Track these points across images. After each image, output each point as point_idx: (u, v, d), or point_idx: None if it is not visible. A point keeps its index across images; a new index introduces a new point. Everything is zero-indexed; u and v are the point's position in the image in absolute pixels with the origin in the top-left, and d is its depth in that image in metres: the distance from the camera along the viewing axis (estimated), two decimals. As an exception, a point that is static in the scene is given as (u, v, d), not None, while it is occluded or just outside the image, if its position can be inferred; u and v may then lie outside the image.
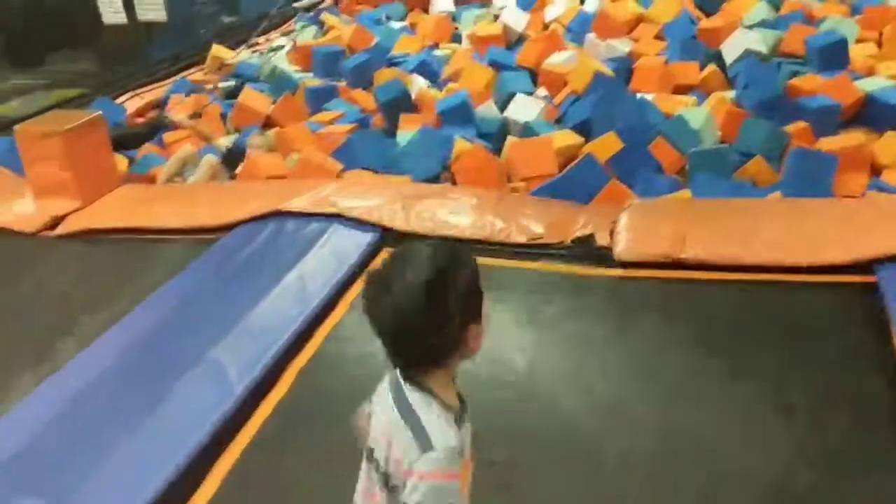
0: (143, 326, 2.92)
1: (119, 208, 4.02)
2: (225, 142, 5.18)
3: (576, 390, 2.54)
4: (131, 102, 6.39)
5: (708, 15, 6.53)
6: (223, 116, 5.74)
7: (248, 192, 4.08)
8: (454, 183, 4.28)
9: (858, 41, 5.59)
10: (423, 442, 1.30)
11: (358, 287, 3.12)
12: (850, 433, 2.23)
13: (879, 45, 5.59)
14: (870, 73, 5.11)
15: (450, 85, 5.67)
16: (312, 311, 2.91)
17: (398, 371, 1.38)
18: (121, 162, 4.85)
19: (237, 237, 3.57)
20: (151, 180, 4.67)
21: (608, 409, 2.44)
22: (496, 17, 7.24)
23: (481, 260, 3.16)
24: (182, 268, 3.35)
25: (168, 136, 5.48)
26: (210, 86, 6.53)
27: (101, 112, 4.37)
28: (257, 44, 7.71)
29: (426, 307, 1.30)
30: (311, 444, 2.35)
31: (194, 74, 7.04)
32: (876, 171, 4.13)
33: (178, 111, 5.77)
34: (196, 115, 5.73)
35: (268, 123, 5.57)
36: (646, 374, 2.60)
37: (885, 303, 2.68)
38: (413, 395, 1.36)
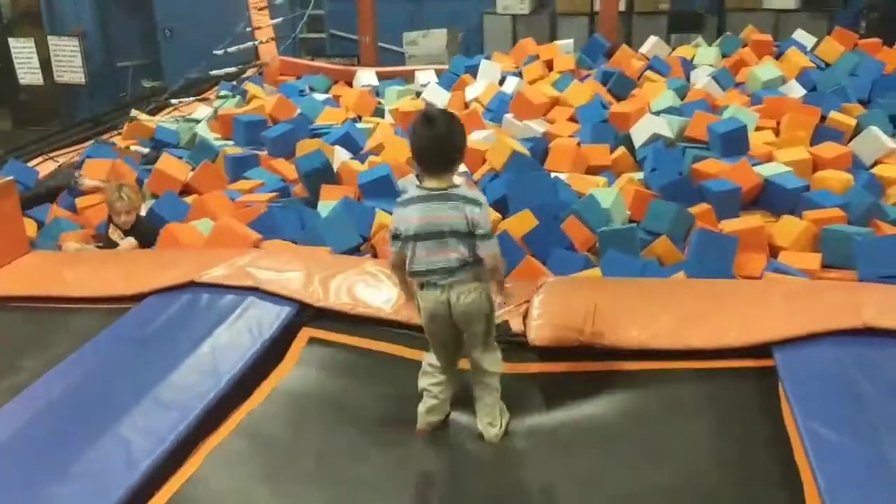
0: (46, 397, 2.82)
1: (26, 275, 3.90)
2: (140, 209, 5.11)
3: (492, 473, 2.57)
4: (44, 166, 6.25)
5: (619, 100, 6.86)
6: (139, 182, 5.67)
7: (162, 260, 4.01)
8: (375, 255, 4.31)
9: (758, 129, 5.93)
10: (473, 198, 2.61)
11: (275, 367, 3.09)
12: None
13: (777, 133, 5.94)
14: (768, 159, 5.41)
15: (372, 158, 5.76)
16: (224, 387, 2.86)
17: (437, 175, 2.62)
18: (30, 227, 4.72)
19: (149, 308, 3.50)
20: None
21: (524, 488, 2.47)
22: (418, 94, 7.43)
23: (398, 350, 3.13)
24: (91, 338, 3.26)
25: (81, 201, 5.37)
26: (131, 148, 6.46)
27: (12, 178, 4.26)
28: (177, 110, 7.68)
29: (453, 135, 2.62)
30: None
31: (111, 139, 6.95)
32: (773, 252, 4.36)
33: (92, 175, 5.66)
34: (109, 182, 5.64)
35: (186, 190, 5.52)
36: (551, 455, 2.64)
37: (782, 385, 2.80)
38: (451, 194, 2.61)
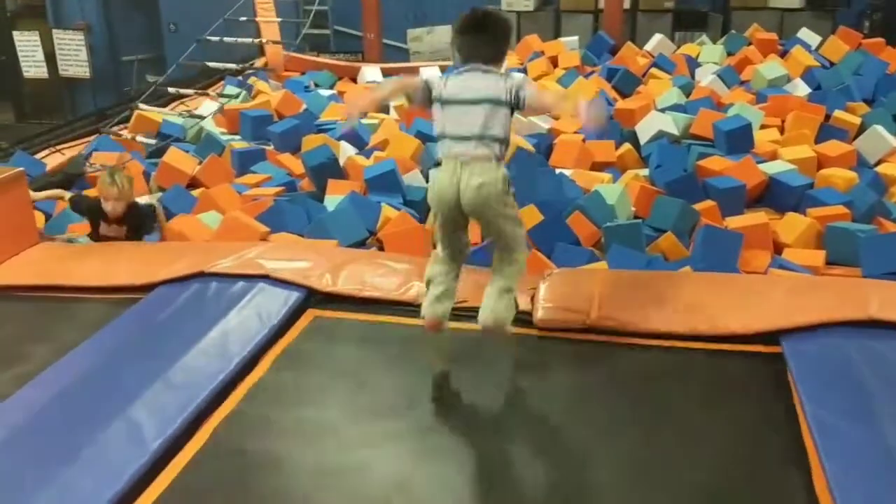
0: (59, 384, 2.84)
1: (37, 266, 3.92)
2: (149, 200, 5.13)
3: (497, 434, 2.60)
4: (51, 158, 6.27)
5: (624, 97, 6.89)
6: (146, 175, 5.69)
7: (171, 252, 4.03)
8: (381, 249, 4.34)
9: (763, 127, 5.97)
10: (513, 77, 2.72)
11: (281, 347, 3.14)
12: (760, 491, 2.33)
13: (782, 131, 5.97)
14: (772, 157, 5.45)
15: (377, 153, 5.79)
16: (232, 371, 2.89)
17: (480, 63, 2.73)
18: (38, 218, 4.74)
19: (159, 297, 3.53)
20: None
21: (527, 456, 2.49)
22: (423, 90, 7.42)
23: (406, 320, 3.24)
24: (100, 327, 3.28)
25: (88, 194, 5.39)
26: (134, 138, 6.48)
27: (22, 168, 4.28)
28: (184, 104, 7.70)
29: (506, 31, 2.84)
30: (227, 494, 2.34)
31: (118, 132, 6.97)
32: (778, 249, 4.39)
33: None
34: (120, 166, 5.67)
35: (193, 184, 5.55)
36: (559, 429, 2.66)
37: (790, 372, 2.83)
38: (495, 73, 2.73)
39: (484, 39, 2.77)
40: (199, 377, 2.83)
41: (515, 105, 2.69)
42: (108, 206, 4.26)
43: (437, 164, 2.73)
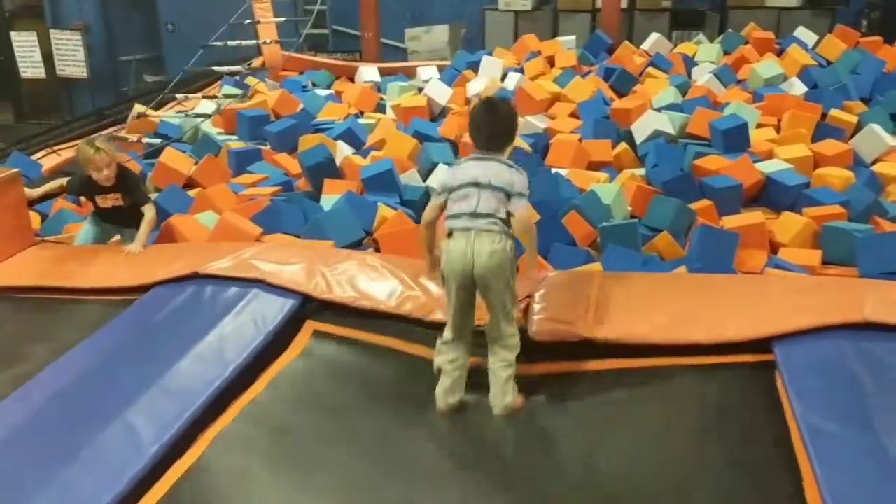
0: (55, 386, 2.85)
1: (32, 267, 3.93)
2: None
3: (492, 455, 2.60)
4: (48, 159, 6.28)
5: (620, 96, 6.88)
6: (143, 176, 5.69)
7: (166, 253, 4.03)
8: (377, 249, 4.34)
9: (759, 126, 5.96)
10: (517, 169, 2.96)
11: (277, 358, 3.12)
12: (752, 499, 2.33)
13: (778, 130, 5.96)
14: (769, 156, 5.44)
15: (374, 153, 5.79)
16: (228, 378, 2.89)
17: (487, 151, 3.00)
18: (33, 219, 4.74)
19: (154, 298, 3.53)
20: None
21: (519, 478, 2.49)
22: (420, 90, 7.45)
23: (399, 344, 3.12)
24: (96, 328, 3.29)
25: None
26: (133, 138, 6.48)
27: (18, 169, 4.28)
28: (181, 104, 7.70)
29: (510, 120, 3.06)
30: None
31: (115, 132, 6.97)
32: (774, 249, 4.39)
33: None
34: None
35: (189, 184, 5.55)
36: (550, 444, 2.67)
37: (782, 380, 2.82)
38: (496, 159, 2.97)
39: (495, 128, 3.03)
40: (196, 383, 2.83)
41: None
42: (101, 176, 4.16)
43: (450, 234, 2.93)
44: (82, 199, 4.90)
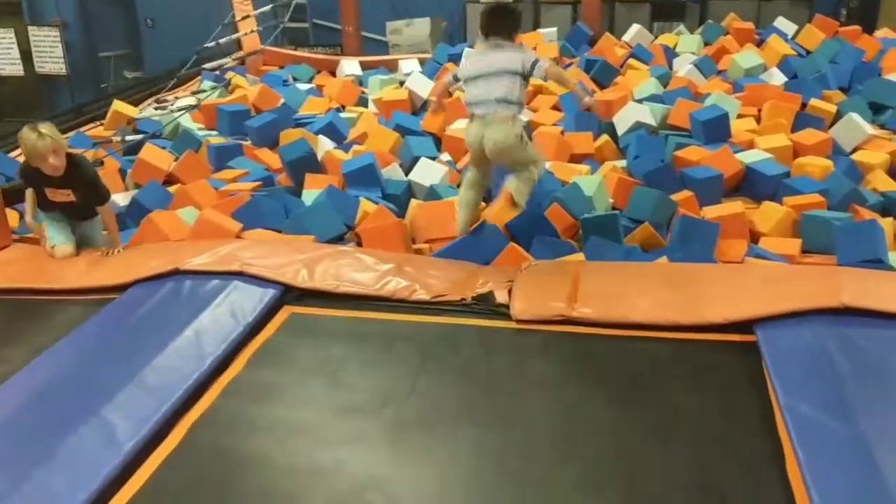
0: (32, 386, 2.82)
1: (9, 268, 3.89)
2: (122, 199, 5.10)
3: (474, 429, 2.59)
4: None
5: (602, 88, 6.89)
6: (122, 172, 5.65)
7: (145, 251, 4.01)
8: (359, 244, 4.33)
9: (739, 116, 5.98)
10: (524, 50, 3.74)
11: (256, 345, 3.12)
12: (734, 481, 2.34)
13: (758, 120, 5.99)
14: (749, 146, 5.47)
15: (356, 147, 5.77)
16: (207, 369, 2.88)
17: (497, 37, 3.70)
18: (12, 217, 4.70)
19: (133, 296, 3.51)
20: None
21: (505, 450, 2.49)
22: (402, 83, 7.42)
23: (385, 315, 3.27)
24: (75, 328, 3.26)
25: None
26: (114, 138, 6.42)
27: (-8, 167, 4.24)
28: (162, 100, 7.64)
29: (516, 12, 3.76)
30: (203, 494, 2.32)
31: (94, 129, 6.91)
32: (754, 238, 4.41)
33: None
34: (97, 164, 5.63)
35: (169, 180, 5.51)
36: (537, 415, 2.67)
37: (763, 361, 2.85)
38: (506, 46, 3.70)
39: (500, 19, 3.81)
40: (174, 376, 2.81)
41: (529, 75, 3.71)
42: (47, 166, 3.80)
43: (471, 118, 3.83)
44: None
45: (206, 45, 7.68)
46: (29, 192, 4.14)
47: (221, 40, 7.91)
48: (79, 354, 3.04)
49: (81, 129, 6.83)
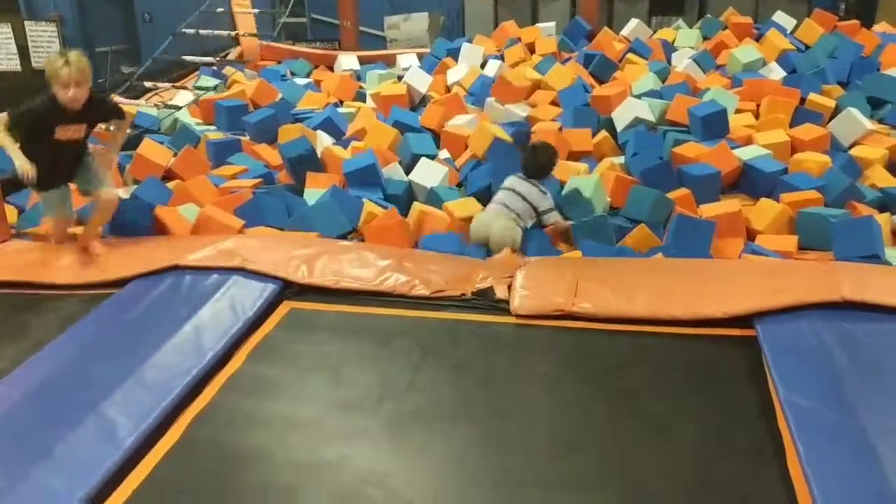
0: (31, 381, 2.82)
1: (9, 262, 3.89)
2: (123, 193, 5.09)
3: (473, 424, 2.60)
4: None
5: (600, 82, 6.89)
6: (120, 167, 5.64)
7: (145, 247, 4.01)
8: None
9: (738, 111, 5.99)
10: (545, 192, 4.49)
11: (256, 340, 3.13)
12: (734, 475, 2.35)
13: (757, 115, 5.99)
14: (747, 142, 5.47)
15: (354, 143, 5.76)
16: (207, 364, 2.88)
17: (529, 177, 4.54)
18: (10, 213, 4.69)
19: (133, 291, 3.51)
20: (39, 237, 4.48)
21: (505, 445, 2.50)
22: (400, 78, 7.42)
23: (385, 311, 3.27)
24: (75, 323, 3.26)
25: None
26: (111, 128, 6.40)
27: (-9, 162, 4.23)
28: (159, 95, 7.64)
29: (548, 161, 4.59)
30: (203, 490, 2.33)
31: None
32: (751, 236, 4.42)
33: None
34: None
35: (168, 176, 5.51)
36: (537, 410, 2.68)
37: (763, 355, 2.86)
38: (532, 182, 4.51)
39: (530, 160, 4.60)
40: (174, 372, 2.82)
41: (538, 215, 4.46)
42: (67, 96, 3.63)
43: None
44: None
45: (181, 30, 7.63)
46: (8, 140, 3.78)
47: (216, 32, 7.90)
48: (78, 350, 3.04)
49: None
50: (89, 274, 3.72)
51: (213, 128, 6.59)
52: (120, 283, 3.59)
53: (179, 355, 2.92)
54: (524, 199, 4.39)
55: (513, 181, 4.51)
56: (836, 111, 5.87)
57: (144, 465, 2.43)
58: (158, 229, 4.39)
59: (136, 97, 7.62)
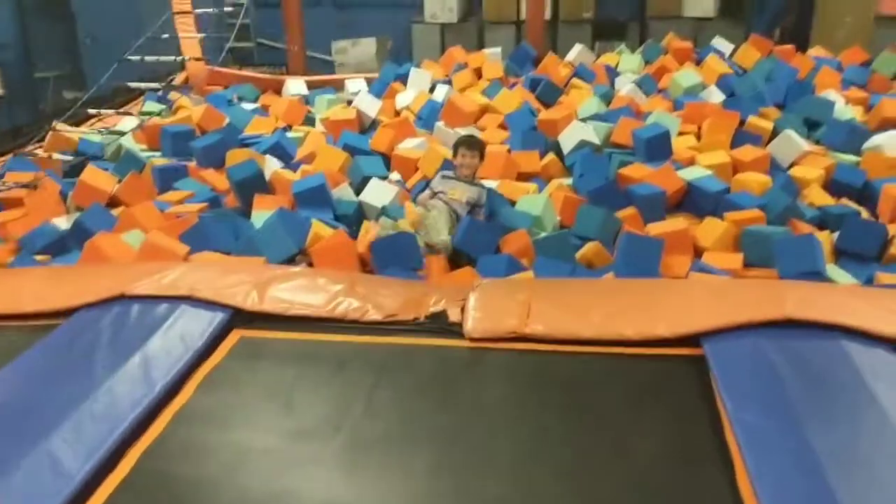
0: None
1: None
2: (64, 222, 4.99)
3: (429, 450, 2.59)
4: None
5: (547, 106, 7.00)
6: (63, 195, 5.53)
7: (89, 275, 3.92)
8: (310, 265, 4.31)
9: (681, 134, 6.14)
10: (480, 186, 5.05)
11: (206, 370, 3.08)
12: (687, 489, 2.39)
13: (699, 137, 6.15)
14: (690, 163, 5.60)
15: (304, 167, 5.74)
16: (156, 396, 2.82)
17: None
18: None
19: (78, 322, 3.42)
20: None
21: (461, 469, 2.50)
22: (349, 103, 7.43)
23: (337, 337, 3.24)
24: (17, 355, 3.17)
25: (2, 216, 5.22)
26: (55, 156, 6.28)
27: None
28: (103, 122, 7.51)
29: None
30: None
31: (33, 152, 6.74)
32: (698, 253, 4.51)
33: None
34: (35, 185, 5.50)
35: (113, 203, 5.41)
36: (493, 433, 2.68)
37: (711, 373, 2.91)
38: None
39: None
40: (123, 404, 2.75)
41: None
42: None
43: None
44: None
45: (126, 57, 7.53)
46: None
47: (162, 58, 7.81)
48: (23, 383, 2.95)
49: (19, 151, 6.66)
50: (31, 304, 3.62)
51: (158, 154, 6.50)
52: (64, 314, 3.50)
53: (128, 387, 2.85)
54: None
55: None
56: (775, 133, 6.05)
57: (95, 499, 2.36)
58: (100, 258, 4.29)
59: (79, 124, 7.47)
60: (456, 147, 5.13)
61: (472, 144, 5.10)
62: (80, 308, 3.50)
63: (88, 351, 3.16)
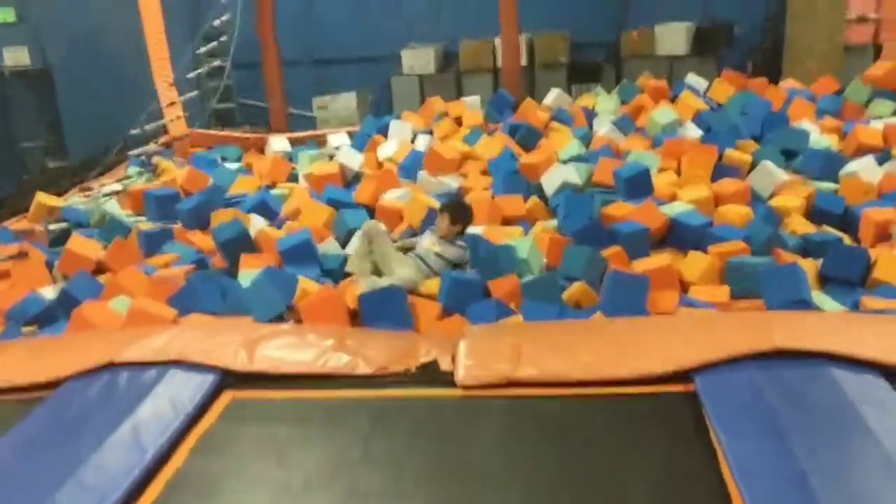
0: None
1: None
2: (50, 292, 4.97)
3: (429, 497, 2.58)
4: (-54, 254, 6.00)
5: (527, 151, 7.07)
6: (49, 265, 5.51)
7: (76, 345, 3.90)
8: (298, 321, 4.29)
9: (660, 170, 6.20)
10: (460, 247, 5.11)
11: (198, 434, 3.05)
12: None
13: (678, 173, 6.21)
14: (672, 198, 5.66)
15: (289, 223, 5.76)
16: (148, 463, 2.79)
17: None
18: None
19: (67, 393, 3.39)
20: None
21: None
22: (331, 157, 7.48)
23: (328, 393, 3.21)
24: (6, 429, 3.13)
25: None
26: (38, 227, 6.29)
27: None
28: (88, 189, 7.53)
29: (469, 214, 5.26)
30: None
31: (17, 223, 6.75)
32: (684, 287, 4.53)
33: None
34: (21, 256, 5.50)
35: (100, 269, 5.40)
36: (490, 481, 2.66)
37: (704, 407, 2.91)
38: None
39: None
40: (115, 473, 2.72)
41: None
42: None
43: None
44: None
45: (132, 132, 7.62)
46: None
47: (147, 126, 7.88)
48: (15, 455, 2.92)
49: (3, 223, 6.66)
50: (20, 375, 3.59)
51: (143, 218, 6.51)
52: (52, 385, 3.47)
53: (120, 455, 2.82)
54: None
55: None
56: (753, 164, 6.12)
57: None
58: (87, 326, 4.27)
59: (62, 192, 7.50)
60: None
61: (443, 208, 5.28)
62: (69, 378, 3.48)
63: (79, 421, 3.14)
